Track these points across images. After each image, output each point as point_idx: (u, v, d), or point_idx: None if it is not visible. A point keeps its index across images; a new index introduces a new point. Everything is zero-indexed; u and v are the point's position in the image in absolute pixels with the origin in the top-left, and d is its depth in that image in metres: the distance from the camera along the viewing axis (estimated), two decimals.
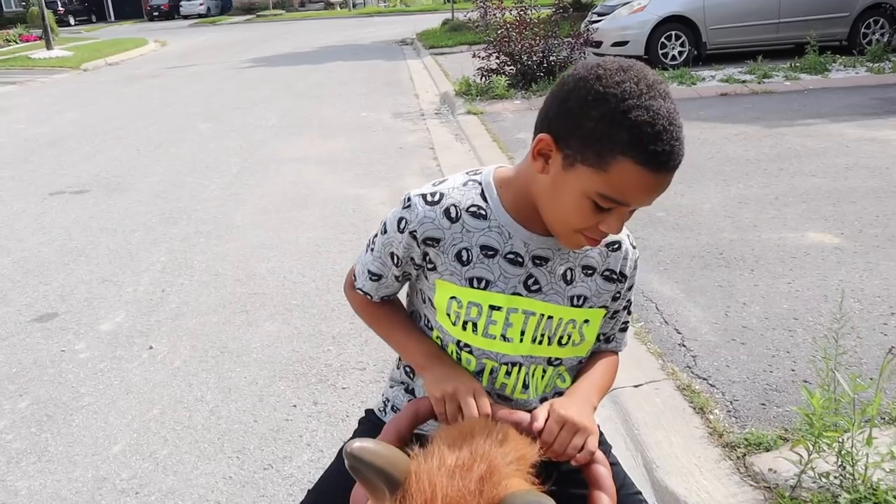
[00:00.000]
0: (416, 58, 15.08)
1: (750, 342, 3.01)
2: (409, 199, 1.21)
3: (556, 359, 1.27)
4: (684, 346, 3.00)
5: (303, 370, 3.05)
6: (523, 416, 1.12)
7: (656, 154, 1.01)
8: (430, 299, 1.25)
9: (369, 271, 1.29)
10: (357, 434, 1.41)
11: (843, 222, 4.30)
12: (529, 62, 9.37)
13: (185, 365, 3.16)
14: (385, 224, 1.24)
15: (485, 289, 1.20)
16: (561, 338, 1.25)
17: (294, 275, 4.07)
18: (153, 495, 2.35)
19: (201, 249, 4.57)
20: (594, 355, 1.36)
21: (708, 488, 2.14)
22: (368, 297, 1.33)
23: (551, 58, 9.38)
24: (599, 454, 1.09)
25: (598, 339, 1.34)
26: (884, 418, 2.38)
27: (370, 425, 1.39)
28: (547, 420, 1.12)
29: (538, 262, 1.21)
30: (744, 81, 8.94)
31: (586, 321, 1.27)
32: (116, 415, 2.82)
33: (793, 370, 2.78)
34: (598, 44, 10.69)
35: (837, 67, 9.47)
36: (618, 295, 1.31)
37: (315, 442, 2.56)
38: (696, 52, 10.51)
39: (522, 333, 1.22)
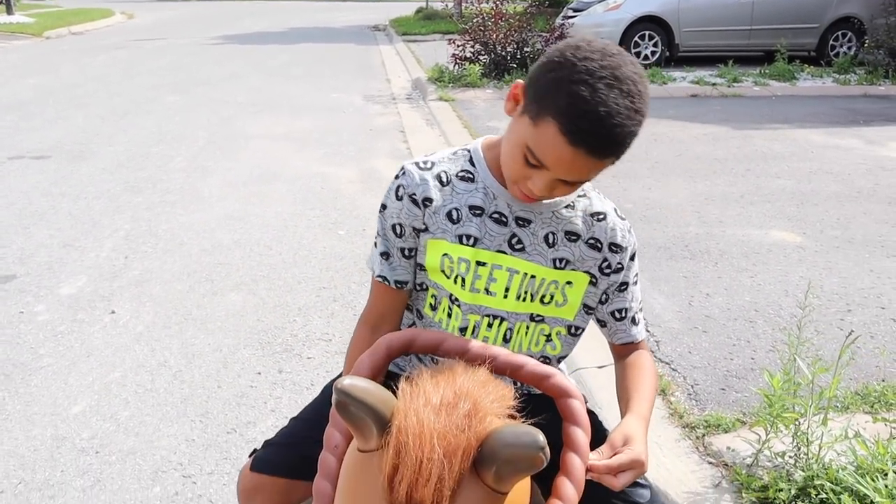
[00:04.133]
0: (388, 44, 15.00)
1: (712, 331, 3.07)
2: (403, 169, 1.28)
3: (538, 315, 1.30)
4: (648, 331, 3.05)
5: (268, 339, 3.02)
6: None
7: (579, 130, 1.06)
8: (420, 265, 1.30)
9: (381, 254, 1.31)
10: None
11: (806, 223, 4.40)
12: (503, 53, 9.40)
13: (148, 330, 3.11)
14: (383, 203, 1.30)
15: (473, 245, 1.26)
16: (543, 296, 1.29)
17: (260, 247, 4.03)
18: (114, 455, 2.32)
19: (166, 219, 4.50)
20: (636, 360, 1.36)
21: (668, 465, 2.18)
22: (384, 281, 1.31)
23: (525, 50, 9.43)
24: (574, 389, 1.10)
25: (620, 318, 1.36)
26: (837, 407, 2.46)
27: None
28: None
29: (521, 223, 1.26)
30: (714, 84, 9.09)
31: (569, 283, 1.30)
32: (77, 376, 2.77)
33: (752, 359, 2.85)
34: None
35: (805, 76, 9.68)
36: (619, 266, 1.31)
37: (279, 408, 2.55)
38: (668, 53, 10.64)
39: (507, 290, 1.27)
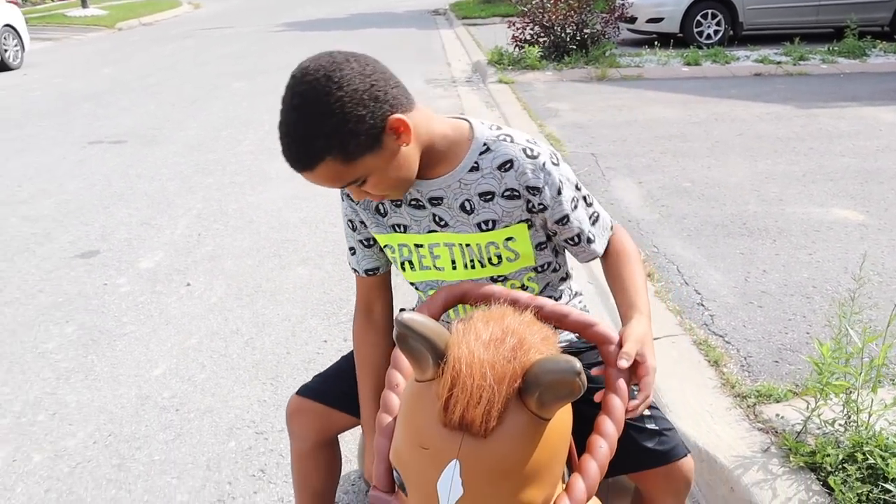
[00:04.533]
0: (448, 28, 15.07)
1: (767, 306, 3.09)
2: None
3: (500, 276, 1.37)
4: (703, 305, 3.09)
5: (334, 310, 3.18)
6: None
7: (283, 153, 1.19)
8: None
9: (348, 248, 1.50)
10: None
11: (869, 201, 4.33)
12: (563, 34, 9.38)
13: (222, 301, 3.30)
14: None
15: (404, 232, 1.37)
16: (490, 259, 1.34)
17: (325, 224, 4.19)
18: (192, 412, 2.51)
19: (235, 198, 4.71)
20: (617, 249, 1.41)
21: (718, 432, 2.24)
22: (357, 272, 1.50)
23: (585, 31, 9.38)
24: (616, 336, 1.19)
25: (575, 243, 1.38)
26: (893, 381, 2.47)
27: None
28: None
29: (435, 202, 1.33)
30: (779, 63, 8.88)
31: (509, 238, 1.33)
32: (157, 342, 2.98)
33: (808, 333, 2.86)
34: (633, 19, 10.64)
35: (877, 52, 9.35)
36: (542, 206, 1.31)
37: None
38: (731, 32, 10.42)
39: (454, 262, 1.36)
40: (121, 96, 8.56)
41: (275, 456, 2.28)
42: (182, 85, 9.20)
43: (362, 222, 1.43)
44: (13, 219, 4.48)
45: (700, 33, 10.41)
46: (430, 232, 1.35)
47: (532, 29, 9.51)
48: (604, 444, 1.08)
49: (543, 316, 1.20)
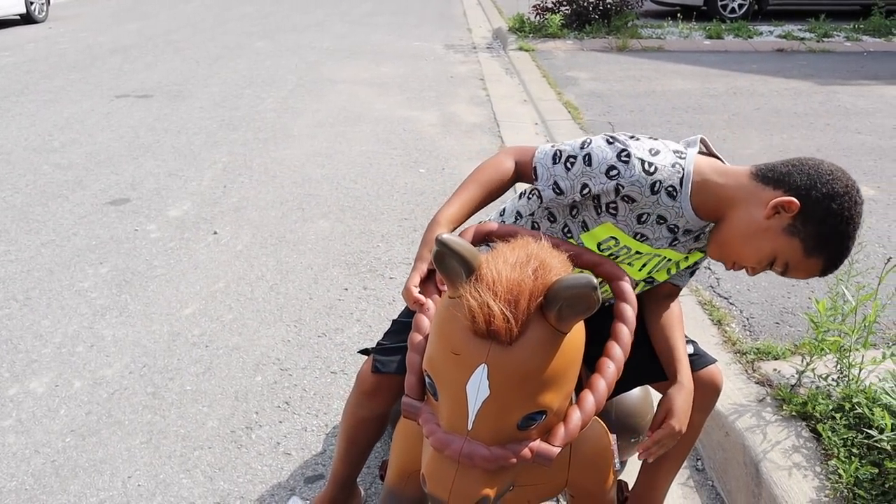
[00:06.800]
0: None
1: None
2: (628, 155, 1.34)
3: (652, 278, 1.55)
4: (709, 268, 3.21)
5: (354, 261, 3.32)
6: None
7: (836, 268, 1.35)
8: (585, 223, 1.44)
9: (556, 183, 1.41)
10: None
11: (882, 177, 4.40)
12: (585, 3, 9.38)
13: (247, 249, 3.45)
14: (591, 157, 1.37)
15: (642, 242, 1.45)
16: (663, 269, 1.54)
17: (347, 181, 4.32)
18: (221, 349, 2.66)
19: (259, 154, 4.83)
20: (676, 309, 1.58)
21: None
22: (540, 200, 1.48)
23: (608, 1, 9.37)
24: (623, 272, 1.33)
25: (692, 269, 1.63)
26: (887, 343, 2.58)
27: None
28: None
29: (686, 233, 1.46)
30: (802, 39, 8.86)
31: (686, 258, 1.55)
32: (186, 285, 3.13)
33: (810, 298, 2.98)
34: None
35: None
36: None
37: (364, 319, 2.84)
38: (756, 7, 10.36)
39: (644, 265, 1.50)
40: (145, 52, 8.67)
41: (298, 390, 2.44)
42: (205, 42, 9.29)
43: (597, 199, 1.40)
44: (46, 166, 4.64)
45: (724, 7, 10.37)
46: (660, 248, 1.47)
47: None
48: (611, 364, 1.21)
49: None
